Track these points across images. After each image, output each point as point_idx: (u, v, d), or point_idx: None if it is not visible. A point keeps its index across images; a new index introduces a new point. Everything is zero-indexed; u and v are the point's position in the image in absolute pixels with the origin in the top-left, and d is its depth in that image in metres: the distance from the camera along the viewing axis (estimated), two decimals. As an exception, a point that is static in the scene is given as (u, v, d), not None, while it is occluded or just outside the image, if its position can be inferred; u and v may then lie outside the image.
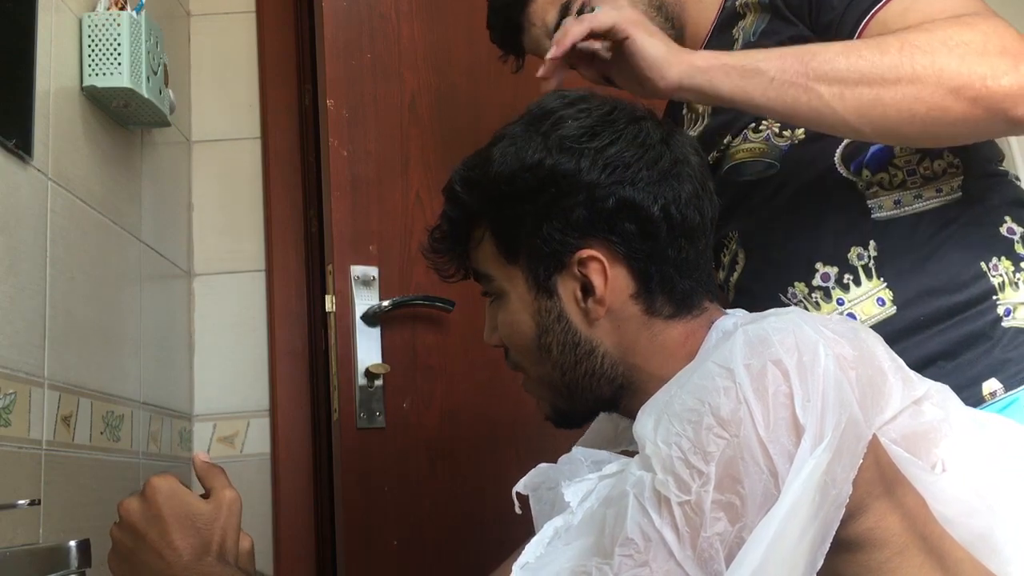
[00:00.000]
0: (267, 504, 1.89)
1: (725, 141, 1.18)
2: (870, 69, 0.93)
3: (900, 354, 0.99)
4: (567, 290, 0.86)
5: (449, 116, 1.81)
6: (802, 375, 0.69)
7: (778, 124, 1.13)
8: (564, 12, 1.23)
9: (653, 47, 0.98)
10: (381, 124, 1.73)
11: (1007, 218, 1.07)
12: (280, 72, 2.05)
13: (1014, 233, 1.06)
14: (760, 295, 1.14)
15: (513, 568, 0.76)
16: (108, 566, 0.87)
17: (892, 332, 1.01)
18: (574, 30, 0.99)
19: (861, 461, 0.69)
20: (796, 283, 1.11)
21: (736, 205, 1.17)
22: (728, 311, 0.90)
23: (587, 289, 0.85)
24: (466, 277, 0.96)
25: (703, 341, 0.85)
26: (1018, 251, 1.06)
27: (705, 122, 1.22)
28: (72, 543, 1.18)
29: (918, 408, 0.76)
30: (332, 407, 1.61)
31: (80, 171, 1.44)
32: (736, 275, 1.20)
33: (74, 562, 1.17)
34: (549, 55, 1.03)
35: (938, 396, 0.80)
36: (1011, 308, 1.03)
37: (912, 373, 0.79)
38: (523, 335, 0.89)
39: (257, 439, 1.91)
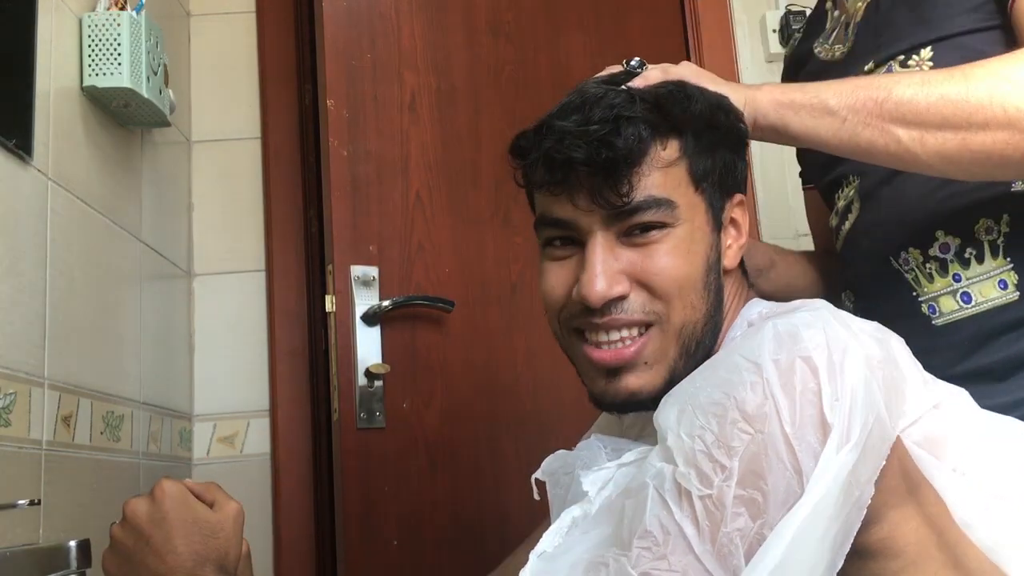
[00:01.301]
0: (267, 504, 1.89)
1: (866, 69, 1.07)
2: (954, 112, 0.85)
3: (1013, 342, 0.95)
4: (724, 231, 0.87)
5: (449, 116, 1.81)
6: (831, 373, 0.68)
7: (929, 63, 1.01)
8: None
9: (721, 91, 0.92)
10: (381, 124, 1.73)
11: None
12: (280, 72, 2.05)
13: None
14: (868, 253, 1.07)
15: (531, 556, 0.76)
16: (102, 565, 0.87)
17: (1011, 320, 0.96)
18: (650, 76, 0.91)
19: (884, 463, 0.68)
20: (911, 249, 1.02)
21: None
22: (754, 299, 0.90)
23: (728, 233, 0.88)
24: (614, 208, 0.82)
25: (731, 327, 0.86)
26: None
27: (850, 42, 1.12)
28: (72, 543, 1.18)
29: (937, 412, 0.76)
30: (332, 407, 1.61)
31: (80, 171, 1.44)
32: (848, 225, 1.11)
33: (74, 562, 1.17)
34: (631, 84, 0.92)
35: (955, 400, 0.79)
36: None
37: (930, 376, 0.79)
38: (695, 269, 0.82)
39: (257, 439, 1.91)
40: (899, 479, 0.70)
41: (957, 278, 0.99)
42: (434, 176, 1.76)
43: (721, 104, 0.88)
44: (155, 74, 1.56)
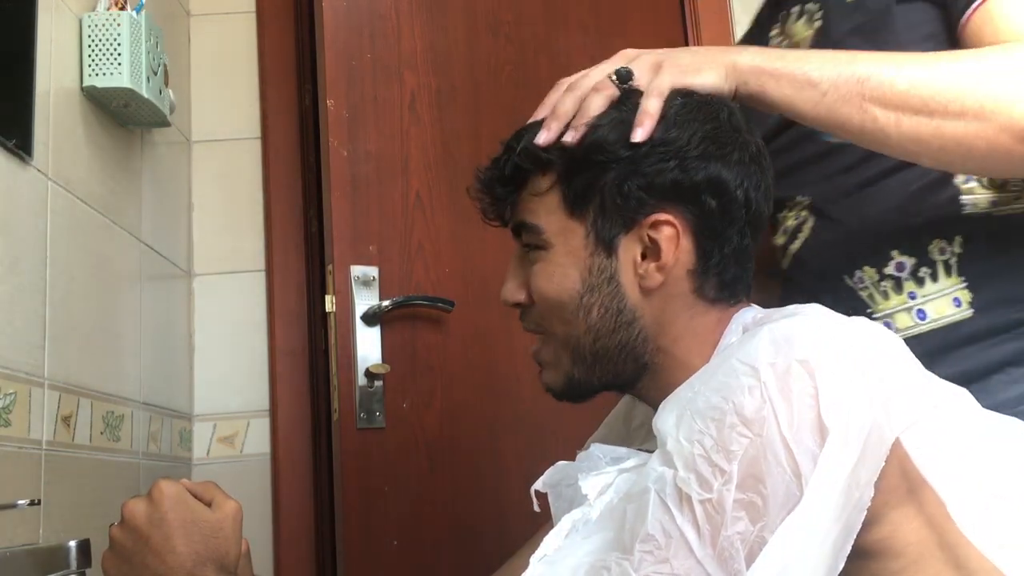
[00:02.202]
0: (267, 504, 1.89)
1: None
2: (933, 97, 0.86)
3: (967, 357, 0.96)
4: (628, 252, 0.85)
5: (449, 116, 1.81)
6: (828, 376, 0.68)
7: None
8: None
9: (705, 79, 0.91)
10: (381, 124, 1.73)
11: None
12: (280, 72, 2.05)
13: None
14: (820, 271, 1.08)
15: (531, 560, 0.76)
16: (101, 566, 0.87)
17: (965, 336, 0.97)
18: (653, 108, 0.88)
19: (883, 464, 0.69)
20: (865, 267, 1.04)
21: (809, 165, 1.09)
22: (750, 305, 0.89)
23: (647, 254, 0.85)
24: (504, 225, 0.94)
25: (724, 334, 0.85)
26: None
27: None
28: (72, 543, 1.18)
29: (937, 412, 0.75)
30: (332, 407, 1.62)
31: (80, 171, 1.44)
32: (797, 244, 1.12)
33: (74, 562, 1.17)
34: (641, 136, 0.88)
35: (955, 399, 0.79)
36: None
37: (932, 376, 0.78)
38: (564, 290, 0.87)
39: (257, 439, 1.91)
40: (899, 479, 0.70)
41: (912, 296, 1.01)
42: (434, 176, 1.76)
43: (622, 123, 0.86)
44: (155, 74, 1.56)
